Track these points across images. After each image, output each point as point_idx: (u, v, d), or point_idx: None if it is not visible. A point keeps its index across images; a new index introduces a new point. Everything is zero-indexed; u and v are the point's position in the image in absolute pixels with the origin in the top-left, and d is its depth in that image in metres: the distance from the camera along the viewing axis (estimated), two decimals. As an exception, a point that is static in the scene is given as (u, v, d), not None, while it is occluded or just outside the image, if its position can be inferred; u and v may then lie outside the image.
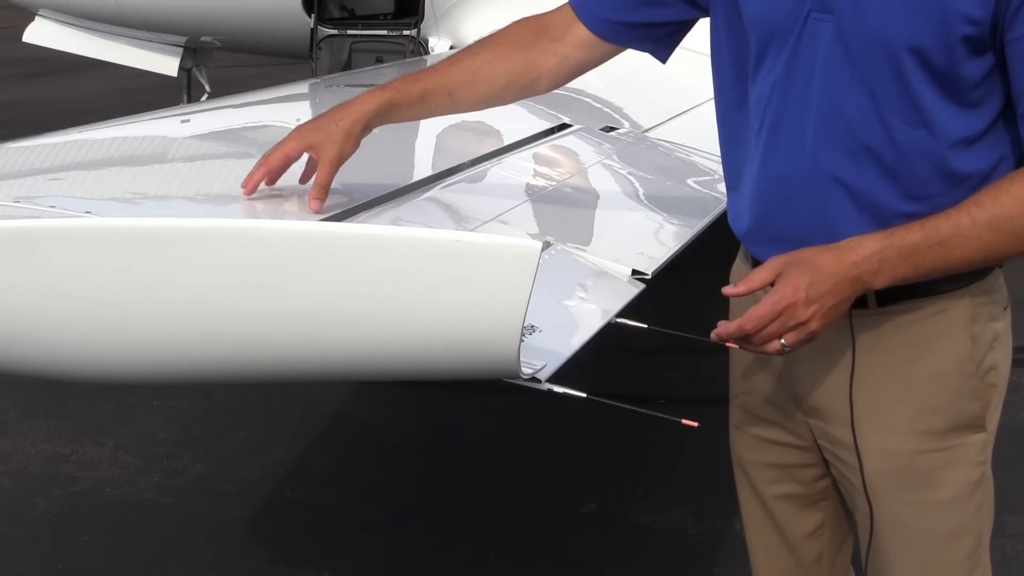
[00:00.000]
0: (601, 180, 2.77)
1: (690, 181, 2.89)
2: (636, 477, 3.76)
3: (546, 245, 1.65)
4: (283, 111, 3.32)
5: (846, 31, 1.65)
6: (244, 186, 1.92)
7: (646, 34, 1.97)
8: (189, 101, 6.34)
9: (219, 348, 1.51)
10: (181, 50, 6.32)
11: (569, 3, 2.01)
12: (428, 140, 2.68)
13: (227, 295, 1.46)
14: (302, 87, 4.09)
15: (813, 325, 1.62)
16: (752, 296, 1.70)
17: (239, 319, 1.47)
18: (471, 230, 2.03)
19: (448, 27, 5.51)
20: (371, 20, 5.89)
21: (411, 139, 2.63)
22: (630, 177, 2.87)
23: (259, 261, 1.45)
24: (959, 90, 1.64)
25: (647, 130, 3.34)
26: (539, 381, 1.53)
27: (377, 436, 4.18)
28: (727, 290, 1.73)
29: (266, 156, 1.93)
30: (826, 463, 1.90)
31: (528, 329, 1.56)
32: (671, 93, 3.75)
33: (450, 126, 2.66)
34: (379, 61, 5.61)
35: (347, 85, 3.93)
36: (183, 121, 2.89)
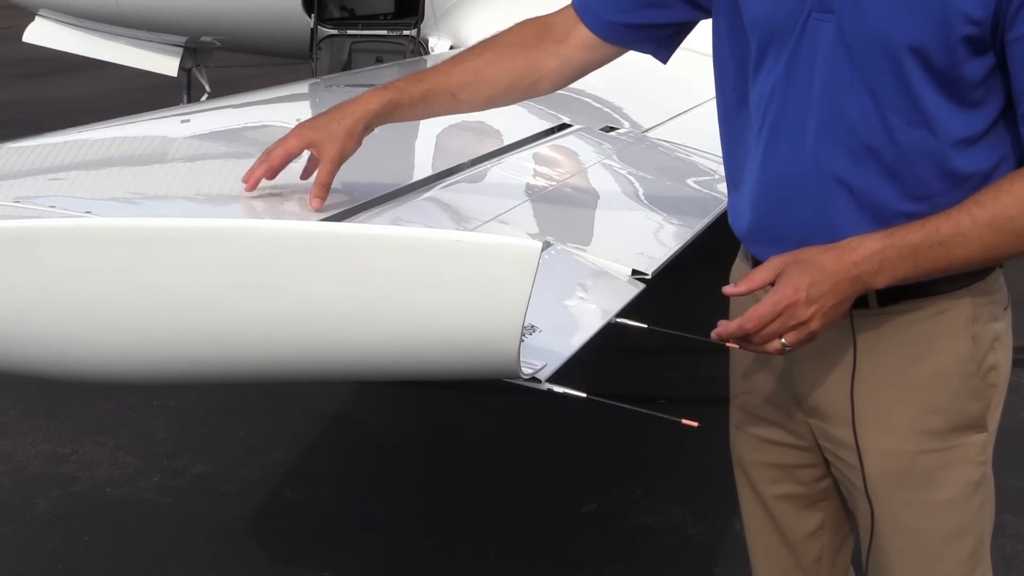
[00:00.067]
0: (601, 180, 2.77)
1: (690, 181, 2.89)
2: (636, 477, 3.76)
3: (546, 245, 1.65)
4: (283, 111, 3.32)
5: (847, 31, 1.65)
6: (245, 181, 1.92)
7: (648, 35, 1.97)
8: (189, 101, 6.34)
9: (219, 348, 1.51)
10: (181, 50, 6.32)
11: (571, 5, 2.01)
12: (428, 140, 2.68)
13: (227, 295, 1.46)
14: (302, 87, 4.09)
15: (814, 325, 1.62)
16: (752, 296, 1.70)
17: (239, 319, 1.47)
18: (471, 230, 2.03)
19: (448, 27, 5.51)
20: (371, 20, 5.89)
21: (411, 139, 2.63)
22: (630, 177, 2.87)
23: (259, 261, 1.45)
24: (960, 90, 1.64)
25: (647, 130, 3.33)
26: (539, 381, 1.53)
27: (377, 436, 4.18)
28: (727, 290, 1.73)
29: (267, 152, 1.93)
30: (827, 463, 1.90)
31: (528, 329, 1.56)
32: (671, 93, 3.75)
33: (450, 126, 2.66)
34: (379, 61, 5.60)
35: (347, 85, 3.93)
36: (183, 121, 2.89)
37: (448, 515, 3.57)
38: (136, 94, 8.69)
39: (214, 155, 2.55)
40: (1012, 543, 3.32)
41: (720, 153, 1.92)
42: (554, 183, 2.57)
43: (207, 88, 6.43)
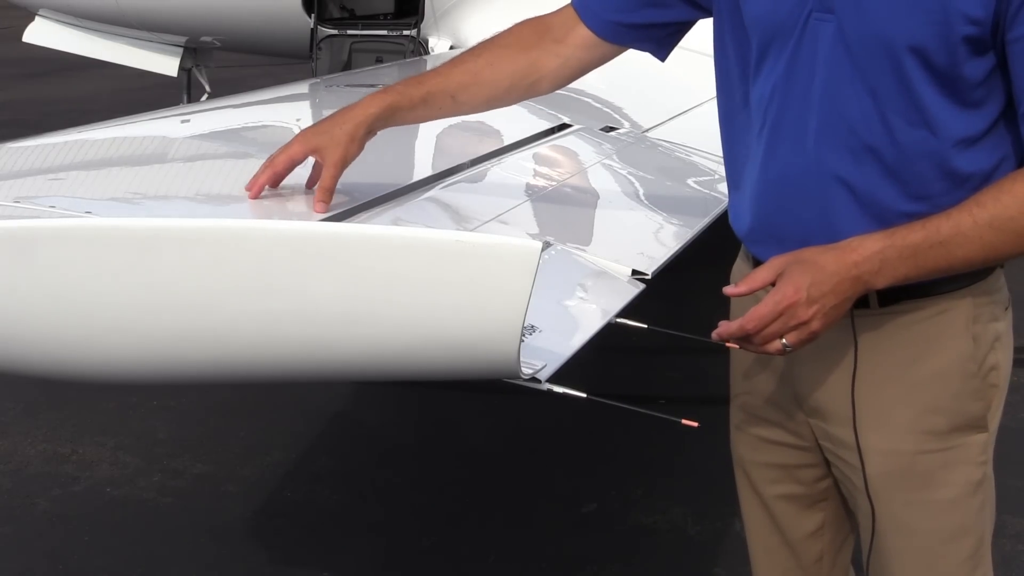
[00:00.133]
0: (601, 180, 2.77)
1: (690, 181, 2.89)
2: (636, 477, 3.76)
3: (546, 245, 1.65)
4: (283, 111, 3.32)
5: (847, 31, 1.65)
6: (248, 189, 1.92)
7: (648, 35, 1.97)
8: (189, 101, 6.34)
9: (219, 348, 1.51)
10: (181, 50, 6.32)
11: (571, 4, 2.01)
12: (428, 140, 2.68)
13: (227, 295, 1.46)
14: (302, 87, 4.09)
15: (814, 325, 1.62)
16: (753, 296, 1.70)
17: (239, 319, 1.47)
18: (471, 230, 2.03)
19: (448, 27, 5.51)
20: (371, 20, 5.89)
21: (411, 139, 2.63)
22: (630, 177, 2.87)
23: (259, 261, 1.45)
24: (960, 90, 1.64)
25: (647, 130, 3.33)
26: (539, 381, 1.53)
27: (377, 436, 4.18)
28: (728, 290, 1.73)
29: (270, 160, 1.93)
30: (827, 463, 1.90)
31: (528, 329, 1.55)
32: (671, 93, 3.75)
33: (450, 126, 2.66)
34: (379, 61, 5.60)
35: (347, 85, 3.93)
36: (183, 121, 2.89)
37: (448, 515, 3.57)
38: (136, 94, 8.70)
39: (214, 155, 2.55)
40: (1012, 543, 3.32)
41: (720, 153, 1.92)
42: (554, 183, 2.57)
43: (207, 88, 6.43)
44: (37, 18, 6.38)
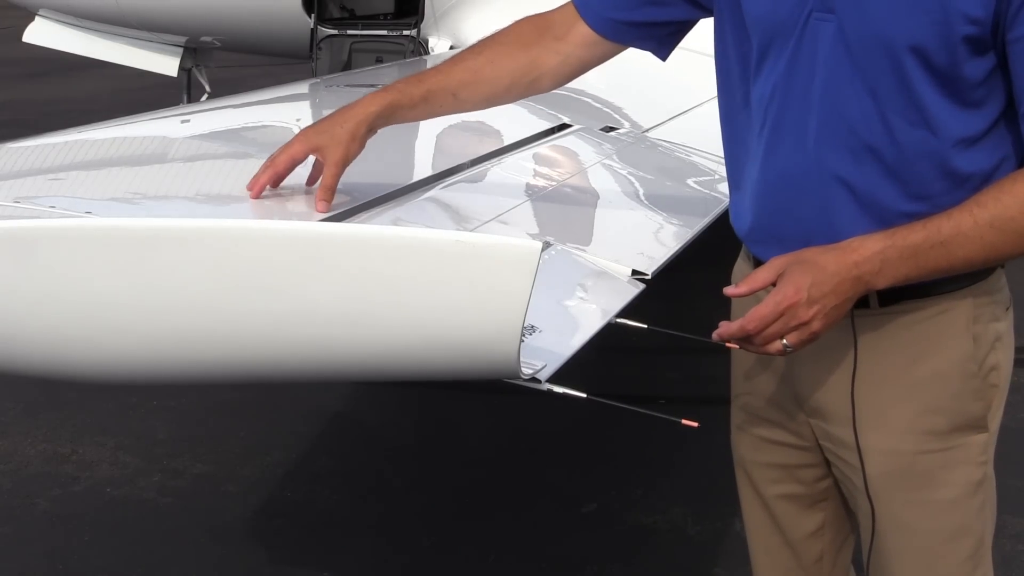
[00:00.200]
0: (601, 180, 2.77)
1: (690, 181, 2.89)
2: (636, 477, 3.76)
3: (546, 245, 1.65)
4: (283, 111, 3.32)
5: (847, 31, 1.65)
6: (250, 188, 1.92)
7: (648, 33, 1.97)
8: (189, 101, 6.34)
9: (219, 349, 1.51)
10: (181, 50, 6.31)
11: (571, 2, 2.01)
12: (428, 140, 2.68)
13: (227, 295, 1.46)
14: (302, 87, 4.09)
15: (815, 325, 1.62)
16: (754, 296, 1.70)
17: (239, 319, 1.47)
18: (471, 230, 2.03)
19: (448, 27, 5.51)
20: (371, 20, 5.89)
21: (411, 139, 2.63)
22: (630, 177, 2.87)
23: (259, 261, 1.45)
24: (960, 90, 1.64)
25: (647, 130, 3.33)
26: (539, 381, 1.53)
27: (377, 436, 4.18)
28: (729, 290, 1.73)
29: (272, 159, 1.94)
30: (828, 463, 1.90)
31: (528, 329, 1.55)
32: (671, 93, 3.74)
33: (450, 126, 2.66)
34: (379, 61, 5.60)
35: (347, 85, 3.93)
36: (183, 121, 2.89)
37: (448, 515, 3.57)
38: (136, 94, 8.69)
39: (214, 155, 2.55)
40: (1012, 543, 3.32)
41: (721, 153, 1.92)
42: (554, 183, 2.57)
43: (207, 88, 6.42)
44: (37, 18, 6.38)
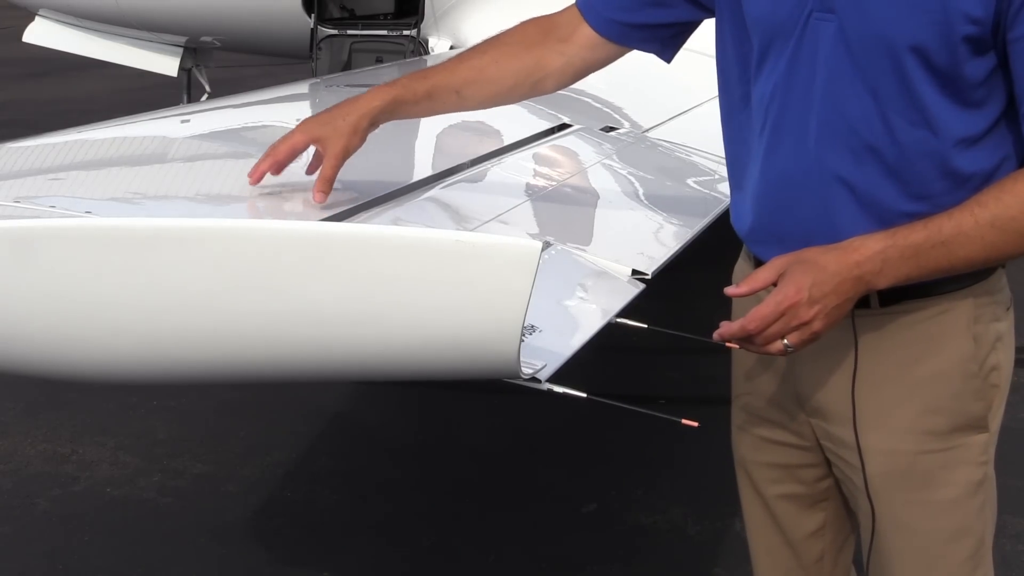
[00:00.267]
0: (601, 180, 2.77)
1: (690, 181, 2.89)
2: (636, 477, 3.76)
3: (546, 245, 1.65)
4: (283, 111, 3.32)
5: (848, 31, 1.65)
6: (250, 176, 1.93)
7: (652, 35, 1.97)
8: (189, 101, 6.34)
9: (219, 348, 1.51)
10: (181, 50, 6.32)
11: (575, 4, 2.01)
12: (428, 140, 2.68)
13: (227, 295, 1.46)
14: (302, 87, 4.09)
15: (816, 325, 1.62)
16: (755, 296, 1.70)
17: (239, 319, 1.47)
18: (471, 230, 2.03)
19: (448, 27, 5.51)
20: (371, 20, 5.89)
21: (412, 138, 2.63)
22: (630, 177, 2.87)
23: (259, 261, 1.45)
24: (961, 90, 1.64)
25: (647, 130, 3.33)
26: (539, 381, 1.53)
27: (377, 436, 4.18)
28: (729, 290, 1.73)
29: (273, 147, 1.94)
30: (828, 463, 1.90)
31: (528, 329, 1.55)
32: (671, 93, 3.74)
33: (450, 126, 2.66)
34: (379, 61, 5.60)
35: (347, 85, 3.92)
36: (183, 121, 2.89)
37: (448, 515, 3.57)
38: (136, 94, 8.70)
39: (214, 155, 2.55)
40: (1012, 543, 3.32)
41: (721, 153, 1.92)
42: (554, 183, 2.57)
43: (207, 88, 6.43)
44: (37, 18, 6.39)
